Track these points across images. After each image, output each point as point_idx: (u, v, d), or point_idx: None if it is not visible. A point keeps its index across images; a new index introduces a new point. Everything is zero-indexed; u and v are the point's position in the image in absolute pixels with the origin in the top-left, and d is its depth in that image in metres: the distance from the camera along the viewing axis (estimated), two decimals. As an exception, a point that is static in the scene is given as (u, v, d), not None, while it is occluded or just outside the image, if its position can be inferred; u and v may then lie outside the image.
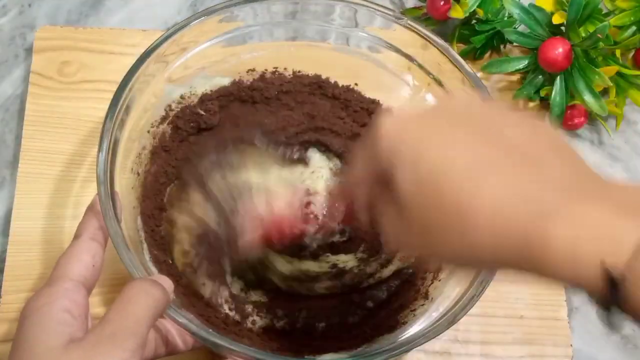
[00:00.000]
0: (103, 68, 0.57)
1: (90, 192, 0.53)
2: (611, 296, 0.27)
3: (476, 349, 0.51)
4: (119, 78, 0.44)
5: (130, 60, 0.45)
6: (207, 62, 0.51)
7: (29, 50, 0.60)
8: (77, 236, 0.39)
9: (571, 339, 0.52)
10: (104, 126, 0.43)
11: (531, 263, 0.29)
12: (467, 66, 0.47)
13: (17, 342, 0.33)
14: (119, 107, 0.44)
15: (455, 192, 0.30)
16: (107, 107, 0.43)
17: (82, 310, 0.35)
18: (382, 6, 0.49)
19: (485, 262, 0.32)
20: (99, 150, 0.42)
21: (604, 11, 0.57)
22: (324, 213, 0.50)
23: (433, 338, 0.41)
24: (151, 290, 0.35)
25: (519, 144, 0.31)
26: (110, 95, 0.44)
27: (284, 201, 0.49)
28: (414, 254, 0.36)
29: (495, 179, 0.30)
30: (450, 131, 0.32)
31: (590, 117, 0.59)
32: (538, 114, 0.59)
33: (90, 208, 0.41)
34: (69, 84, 0.57)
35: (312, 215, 0.50)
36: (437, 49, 0.48)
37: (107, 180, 0.41)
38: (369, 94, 0.54)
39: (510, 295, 0.53)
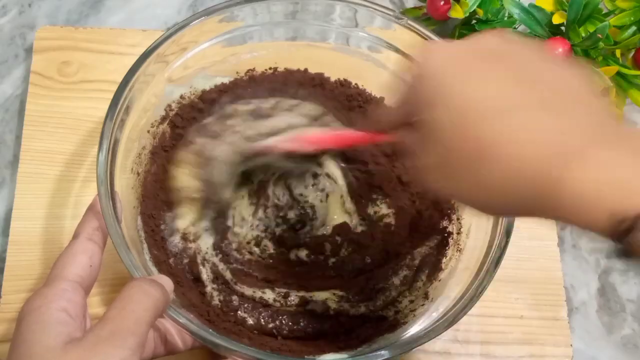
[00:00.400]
0: (103, 68, 0.57)
1: (90, 192, 0.53)
2: (622, 239, 0.28)
3: (476, 349, 0.51)
4: (119, 78, 0.44)
5: (130, 60, 0.45)
6: (207, 62, 0.51)
7: (29, 50, 0.60)
8: (75, 236, 0.39)
9: (571, 338, 0.52)
10: (104, 126, 0.43)
11: (547, 204, 0.30)
12: None
13: (15, 342, 0.33)
14: (119, 107, 0.44)
15: (483, 129, 0.31)
16: (107, 107, 0.43)
17: (79, 311, 0.35)
18: (382, 6, 0.49)
19: (501, 203, 0.32)
20: (99, 150, 0.42)
21: (604, 11, 0.57)
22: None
23: (433, 338, 0.41)
24: (150, 290, 0.35)
25: (551, 88, 0.31)
26: (111, 95, 0.44)
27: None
28: (437, 192, 0.36)
29: (522, 119, 0.30)
30: (487, 68, 0.32)
31: (590, 117, 0.59)
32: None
33: (90, 208, 0.41)
34: (69, 84, 0.57)
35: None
36: None
37: (107, 180, 0.41)
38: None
39: (510, 295, 0.53)
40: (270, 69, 0.54)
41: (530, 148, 0.30)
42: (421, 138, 0.34)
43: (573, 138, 0.30)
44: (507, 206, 0.33)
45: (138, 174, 0.49)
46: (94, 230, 0.39)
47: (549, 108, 0.31)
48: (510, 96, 0.31)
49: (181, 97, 0.51)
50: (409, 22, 0.48)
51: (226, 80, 0.53)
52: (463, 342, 0.51)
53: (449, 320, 0.41)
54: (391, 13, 0.49)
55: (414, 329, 0.44)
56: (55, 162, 0.54)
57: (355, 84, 0.54)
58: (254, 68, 0.53)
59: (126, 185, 0.46)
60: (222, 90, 0.52)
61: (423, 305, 0.47)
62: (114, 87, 0.44)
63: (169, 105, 0.51)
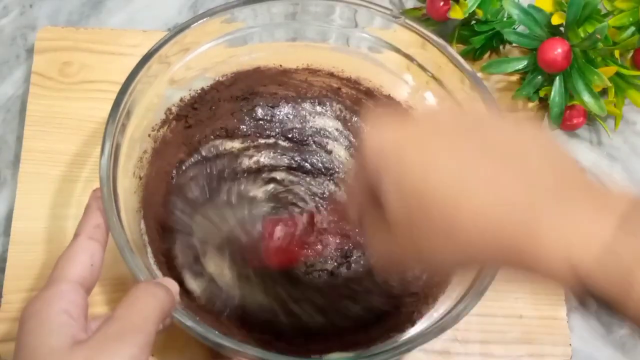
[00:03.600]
0: (104, 68, 0.57)
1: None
2: (583, 290, 0.30)
3: (475, 348, 0.51)
4: (120, 78, 0.44)
5: (131, 61, 0.45)
6: (209, 63, 0.51)
7: (30, 51, 0.60)
8: (76, 235, 0.39)
9: (570, 338, 0.52)
10: (106, 128, 0.42)
11: (519, 261, 0.31)
12: (466, 64, 0.47)
13: (19, 345, 0.33)
14: (121, 107, 0.43)
15: (440, 200, 0.31)
16: (108, 107, 0.43)
17: (81, 311, 0.35)
18: (381, 6, 0.49)
19: (476, 263, 0.34)
20: (102, 152, 0.42)
21: (603, 12, 0.57)
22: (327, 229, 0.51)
23: (435, 337, 0.41)
24: (157, 291, 0.35)
25: (504, 148, 0.32)
26: (112, 96, 0.44)
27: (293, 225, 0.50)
28: (403, 266, 0.36)
29: (479, 183, 0.31)
30: (433, 139, 0.33)
31: (589, 117, 0.59)
32: (534, 116, 0.60)
33: (89, 206, 0.41)
34: (70, 84, 0.57)
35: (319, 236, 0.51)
36: (436, 47, 0.48)
37: (110, 184, 0.41)
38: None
39: (509, 295, 0.53)
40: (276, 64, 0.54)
41: (492, 211, 0.30)
42: (380, 219, 0.34)
43: (533, 196, 0.30)
44: (484, 262, 0.35)
45: (140, 178, 0.48)
46: (95, 229, 0.39)
47: (505, 167, 0.31)
48: (462, 162, 0.32)
49: (181, 100, 0.51)
50: (407, 20, 0.49)
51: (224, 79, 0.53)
52: (462, 342, 0.51)
53: (452, 318, 0.41)
54: (388, 12, 0.49)
55: (417, 327, 0.44)
56: (56, 163, 0.54)
57: (357, 83, 0.54)
58: (258, 67, 0.53)
59: (129, 189, 0.46)
60: (216, 90, 0.52)
61: (427, 304, 0.47)
62: (115, 88, 0.44)
63: (169, 109, 0.51)
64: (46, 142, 0.55)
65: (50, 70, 0.57)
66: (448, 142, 0.33)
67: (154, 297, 0.35)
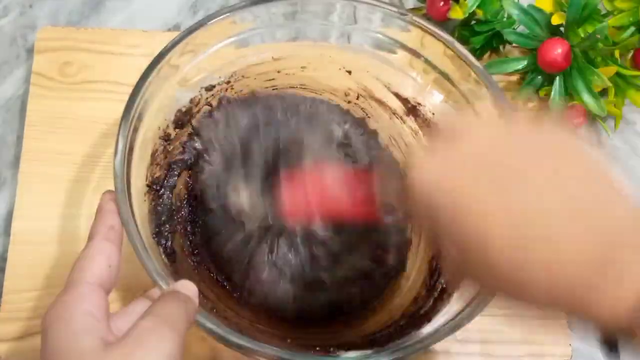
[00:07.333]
0: (104, 68, 0.57)
1: (91, 192, 0.53)
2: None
3: (476, 348, 0.51)
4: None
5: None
6: (217, 65, 0.50)
7: (30, 51, 0.60)
8: (90, 238, 0.39)
9: (570, 338, 0.52)
10: (119, 130, 0.41)
11: (581, 309, 0.32)
12: (473, 59, 0.47)
13: (47, 350, 0.33)
14: (133, 110, 0.43)
15: (504, 259, 0.31)
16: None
17: (104, 313, 0.35)
18: (387, 4, 0.49)
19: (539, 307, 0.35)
20: (115, 155, 0.41)
21: (603, 12, 0.57)
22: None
23: (452, 334, 0.41)
24: (184, 296, 0.36)
25: (560, 188, 0.32)
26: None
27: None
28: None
29: (546, 240, 0.31)
30: (487, 183, 0.32)
31: (589, 118, 0.59)
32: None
33: (101, 209, 0.40)
34: (70, 84, 0.57)
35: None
36: (443, 43, 0.48)
37: (124, 186, 0.40)
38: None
39: (509, 295, 0.53)
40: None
41: (560, 270, 0.31)
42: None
43: (598, 246, 0.30)
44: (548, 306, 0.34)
45: (152, 180, 0.48)
46: (109, 230, 0.39)
47: (569, 216, 0.31)
48: (521, 212, 0.31)
49: (191, 101, 0.51)
50: (414, 17, 0.48)
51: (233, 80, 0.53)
52: (463, 342, 0.51)
53: (468, 314, 0.41)
54: (395, 10, 0.49)
55: (434, 324, 0.43)
56: (56, 162, 0.54)
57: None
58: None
59: (142, 192, 0.46)
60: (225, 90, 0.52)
61: (442, 300, 0.47)
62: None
63: (180, 110, 0.50)
64: (46, 142, 0.55)
65: (51, 70, 0.57)
66: (506, 178, 0.32)
67: (183, 301, 0.35)
